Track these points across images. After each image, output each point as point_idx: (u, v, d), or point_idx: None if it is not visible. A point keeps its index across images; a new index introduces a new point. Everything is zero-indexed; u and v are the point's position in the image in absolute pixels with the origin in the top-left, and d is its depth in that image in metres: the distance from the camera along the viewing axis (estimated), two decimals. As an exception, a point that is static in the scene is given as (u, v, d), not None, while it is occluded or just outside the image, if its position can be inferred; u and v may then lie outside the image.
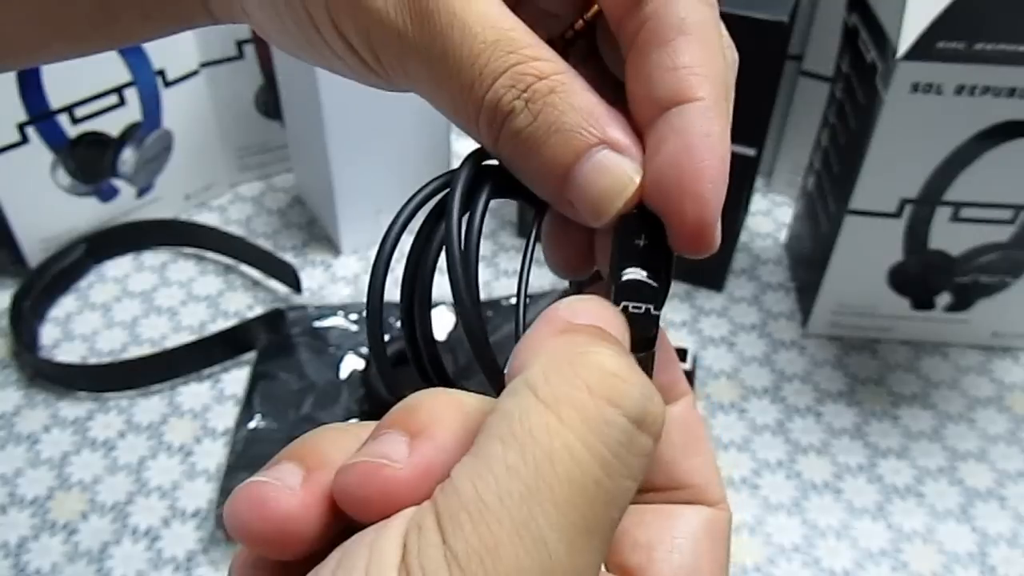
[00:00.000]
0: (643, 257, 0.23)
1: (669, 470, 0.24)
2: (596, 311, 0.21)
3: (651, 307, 0.23)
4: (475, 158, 0.24)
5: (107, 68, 0.67)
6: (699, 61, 0.23)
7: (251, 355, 0.64)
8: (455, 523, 0.16)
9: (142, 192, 0.74)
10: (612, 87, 0.25)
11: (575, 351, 0.19)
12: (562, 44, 0.26)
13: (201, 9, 0.28)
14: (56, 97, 0.65)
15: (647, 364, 0.23)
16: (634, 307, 0.22)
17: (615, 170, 0.22)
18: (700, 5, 0.23)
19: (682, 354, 0.62)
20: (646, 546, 0.22)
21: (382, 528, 0.17)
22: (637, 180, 0.22)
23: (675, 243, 0.23)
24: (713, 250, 0.22)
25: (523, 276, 0.24)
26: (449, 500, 0.17)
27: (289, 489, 0.19)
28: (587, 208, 0.22)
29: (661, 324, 0.24)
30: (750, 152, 0.63)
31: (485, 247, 0.74)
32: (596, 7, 0.24)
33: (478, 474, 0.17)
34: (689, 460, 0.24)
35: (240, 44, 0.73)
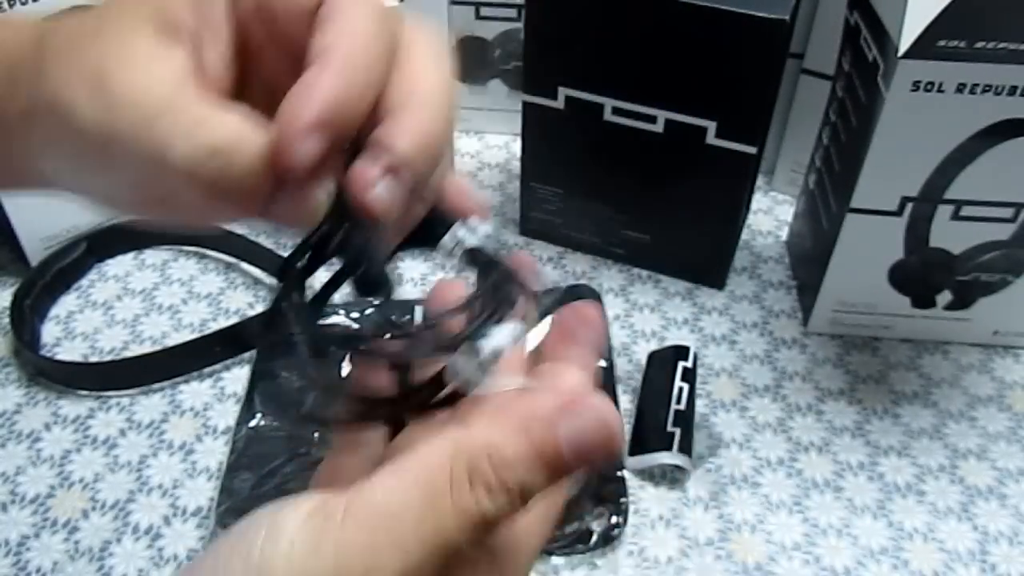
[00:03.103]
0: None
1: None
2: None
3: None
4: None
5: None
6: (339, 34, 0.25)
7: (252, 354, 0.64)
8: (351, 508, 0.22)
9: (143, 190, 0.74)
10: None
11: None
12: None
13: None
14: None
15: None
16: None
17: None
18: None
19: (684, 352, 0.62)
20: None
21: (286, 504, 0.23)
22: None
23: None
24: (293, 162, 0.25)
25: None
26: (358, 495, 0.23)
27: None
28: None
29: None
30: (751, 150, 0.63)
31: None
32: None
33: (383, 484, 0.23)
34: None
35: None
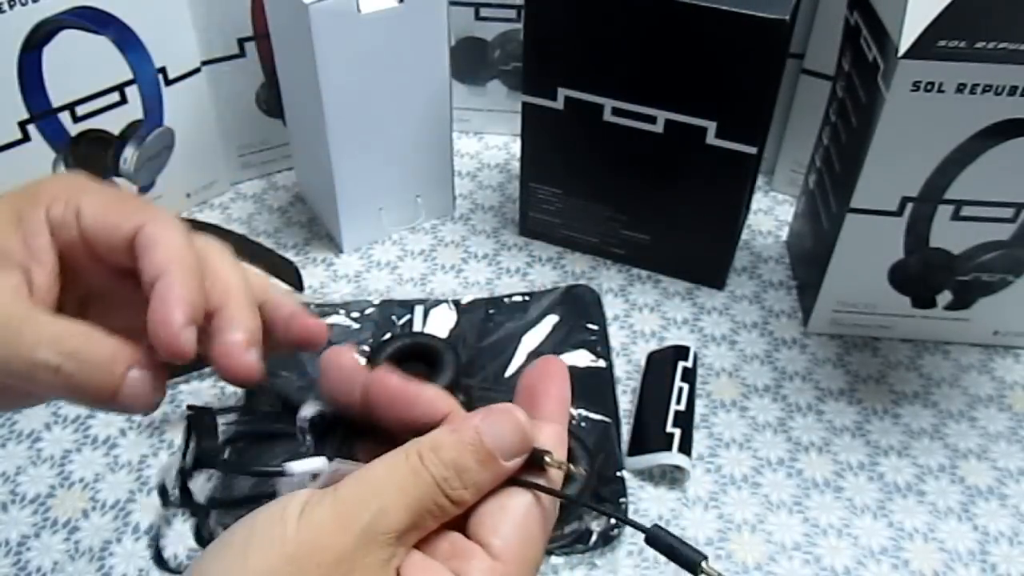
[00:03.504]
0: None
1: None
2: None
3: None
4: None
5: (108, 66, 0.67)
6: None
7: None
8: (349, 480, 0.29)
9: (143, 190, 0.74)
10: None
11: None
12: None
13: None
14: (57, 95, 0.65)
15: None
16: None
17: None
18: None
19: (683, 352, 0.62)
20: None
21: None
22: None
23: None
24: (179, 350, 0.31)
25: None
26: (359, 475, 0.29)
27: None
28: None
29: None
30: (751, 150, 0.63)
31: (487, 245, 0.75)
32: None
33: (362, 471, 0.29)
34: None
35: (241, 42, 0.73)
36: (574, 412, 0.60)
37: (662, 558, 0.31)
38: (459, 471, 0.29)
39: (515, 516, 0.30)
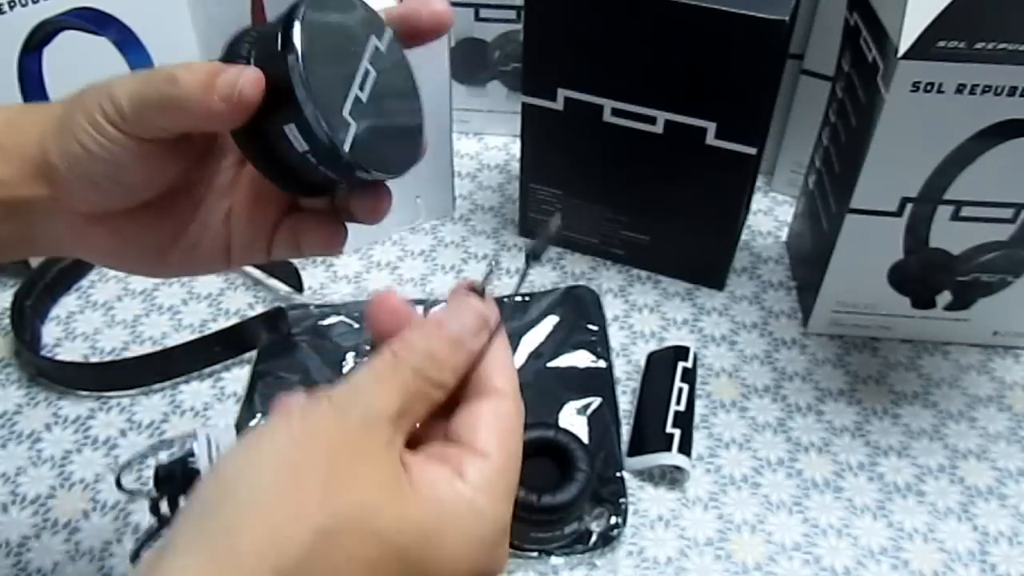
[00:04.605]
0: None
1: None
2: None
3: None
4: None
5: (108, 67, 0.67)
6: None
7: (252, 354, 0.64)
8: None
9: (143, 191, 0.74)
10: None
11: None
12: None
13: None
14: (58, 96, 0.65)
15: None
16: None
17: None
18: None
19: (683, 352, 0.62)
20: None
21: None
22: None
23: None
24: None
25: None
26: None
27: None
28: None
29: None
30: (751, 151, 0.63)
31: (487, 246, 0.75)
32: None
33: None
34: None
35: (241, 43, 0.73)
36: (574, 409, 0.60)
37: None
38: (432, 357, 0.32)
39: (487, 417, 0.32)
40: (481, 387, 0.33)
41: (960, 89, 0.52)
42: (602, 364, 0.64)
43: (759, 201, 0.80)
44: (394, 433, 0.31)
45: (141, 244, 0.39)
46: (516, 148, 0.81)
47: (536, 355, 0.64)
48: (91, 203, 0.37)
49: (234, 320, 0.67)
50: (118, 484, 0.56)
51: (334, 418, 0.30)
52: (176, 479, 0.52)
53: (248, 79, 0.33)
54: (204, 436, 0.53)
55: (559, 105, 0.67)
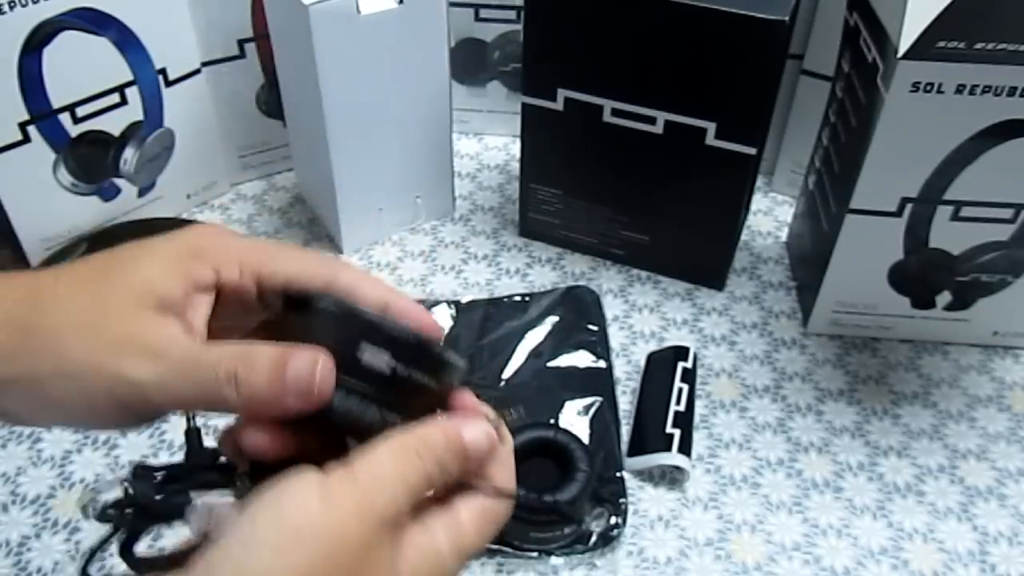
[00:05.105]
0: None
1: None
2: None
3: None
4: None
5: (108, 67, 0.67)
6: None
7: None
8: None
9: (143, 191, 0.74)
10: None
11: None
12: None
13: None
14: (58, 96, 0.65)
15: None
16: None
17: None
18: None
19: (683, 352, 0.62)
20: None
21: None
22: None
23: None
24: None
25: None
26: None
27: None
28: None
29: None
30: (751, 151, 0.63)
31: (487, 246, 0.75)
32: None
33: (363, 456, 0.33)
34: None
35: (241, 43, 0.73)
36: (574, 409, 0.60)
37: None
38: (442, 467, 0.34)
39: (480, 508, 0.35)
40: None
41: (960, 89, 0.52)
42: (602, 364, 0.64)
43: (759, 201, 0.80)
44: (399, 529, 0.32)
45: (105, 424, 0.38)
46: (516, 148, 0.81)
47: (536, 355, 0.64)
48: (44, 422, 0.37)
49: (234, 320, 0.67)
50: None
51: (358, 519, 0.30)
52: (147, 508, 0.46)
53: (325, 369, 0.33)
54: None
55: (559, 105, 0.67)
